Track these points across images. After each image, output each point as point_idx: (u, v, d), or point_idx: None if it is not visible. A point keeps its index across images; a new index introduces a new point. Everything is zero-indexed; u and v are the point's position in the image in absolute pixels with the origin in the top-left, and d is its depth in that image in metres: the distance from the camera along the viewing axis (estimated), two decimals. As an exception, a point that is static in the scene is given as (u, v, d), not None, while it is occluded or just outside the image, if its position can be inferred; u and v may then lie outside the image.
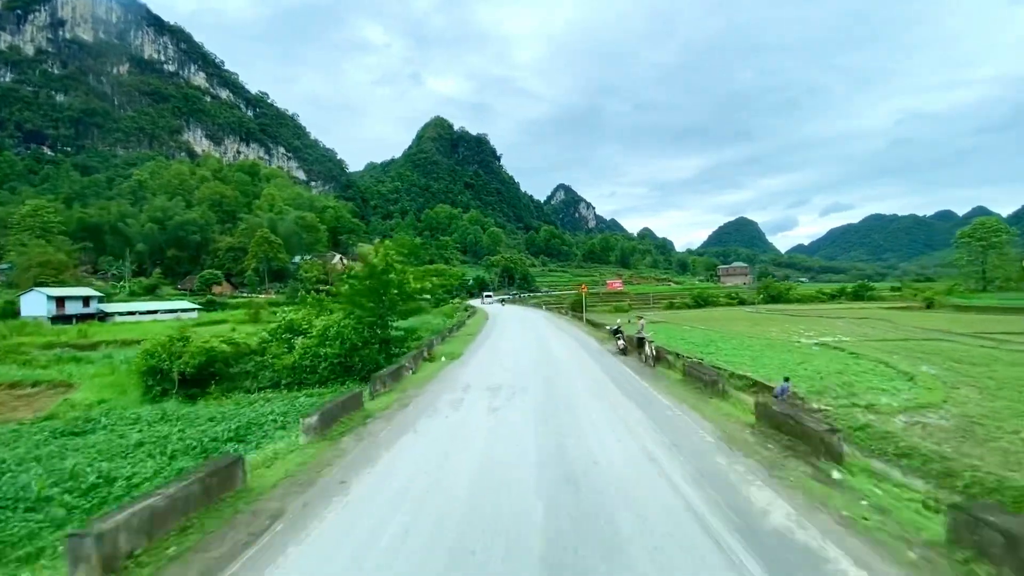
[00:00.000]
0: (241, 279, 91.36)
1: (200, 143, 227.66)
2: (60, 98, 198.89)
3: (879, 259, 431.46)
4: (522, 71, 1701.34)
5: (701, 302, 72.37)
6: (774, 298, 76.14)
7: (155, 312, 53.01)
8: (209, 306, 64.78)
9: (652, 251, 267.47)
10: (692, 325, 37.43)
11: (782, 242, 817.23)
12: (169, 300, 62.46)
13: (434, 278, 25.81)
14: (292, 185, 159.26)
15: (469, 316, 44.94)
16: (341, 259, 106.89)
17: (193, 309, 58.21)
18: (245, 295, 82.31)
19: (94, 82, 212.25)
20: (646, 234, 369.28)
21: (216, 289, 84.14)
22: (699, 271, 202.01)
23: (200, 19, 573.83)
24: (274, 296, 79.03)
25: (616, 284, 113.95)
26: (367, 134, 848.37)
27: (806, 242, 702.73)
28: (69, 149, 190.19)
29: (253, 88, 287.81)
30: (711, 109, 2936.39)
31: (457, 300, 70.37)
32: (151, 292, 71.71)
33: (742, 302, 75.56)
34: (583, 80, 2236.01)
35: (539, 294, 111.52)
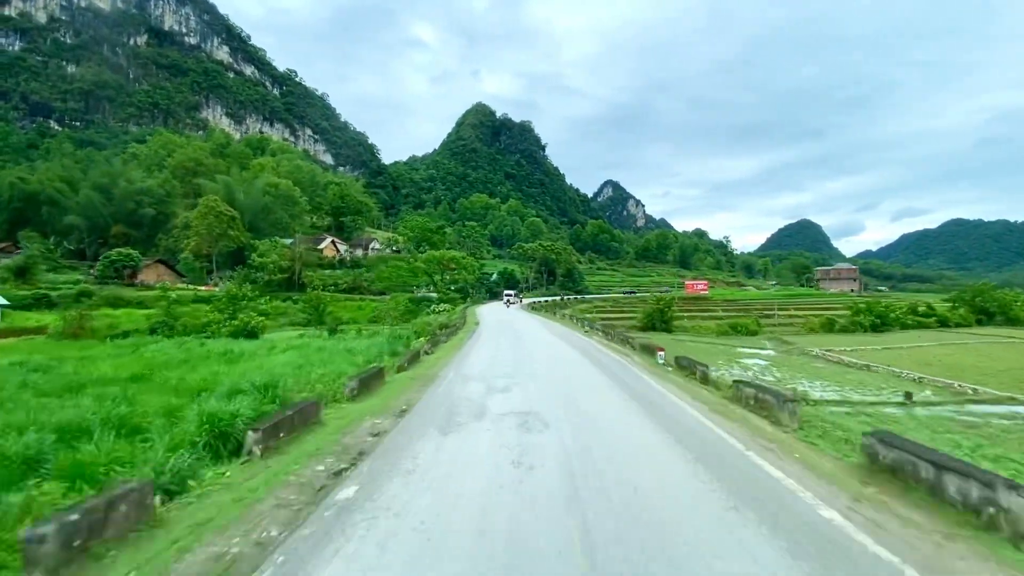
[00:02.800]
0: (195, 264, 67.88)
1: (220, 121, 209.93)
2: (71, 69, 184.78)
3: (963, 268, 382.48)
4: (573, 68, 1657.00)
5: (878, 324, 43.31)
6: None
7: None
8: (81, 298, 40.85)
9: (713, 251, 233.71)
10: None
11: (846, 247, 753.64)
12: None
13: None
14: (301, 159, 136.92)
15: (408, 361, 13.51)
16: (334, 243, 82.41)
17: (-4, 306, 34.33)
18: (182, 285, 58.67)
19: (108, 53, 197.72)
20: (702, 234, 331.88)
21: (144, 276, 60.76)
22: (780, 275, 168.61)
23: (271, 20, 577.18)
24: (216, 288, 54.90)
25: (698, 286, 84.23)
26: (416, 131, 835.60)
27: (874, 248, 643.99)
28: (77, 123, 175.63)
29: (281, 66, 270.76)
30: (771, 107, 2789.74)
31: (447, 307, 43.03)
32: (21, 276, 48.87)
33: (943, 323, 46.27)
34: (635, 77, 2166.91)
35: (590, 298, 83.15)
